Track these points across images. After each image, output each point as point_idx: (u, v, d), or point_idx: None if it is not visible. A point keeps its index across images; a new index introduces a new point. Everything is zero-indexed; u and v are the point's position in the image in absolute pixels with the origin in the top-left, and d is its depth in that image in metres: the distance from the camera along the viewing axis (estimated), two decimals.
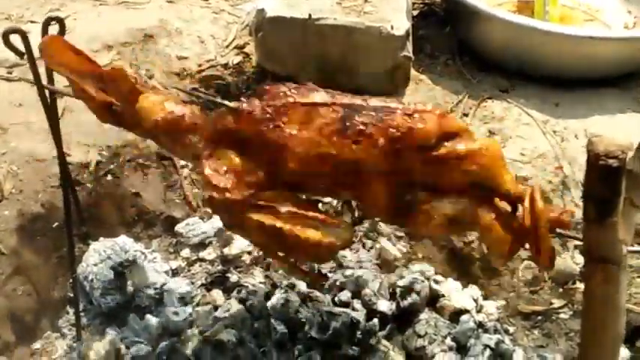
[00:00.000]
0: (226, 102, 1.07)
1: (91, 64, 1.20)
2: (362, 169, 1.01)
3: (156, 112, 1.11)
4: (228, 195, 1.04)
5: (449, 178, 0.99)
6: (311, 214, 1.04)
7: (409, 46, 1.81)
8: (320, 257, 1.10)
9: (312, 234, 1.03)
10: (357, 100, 1.02)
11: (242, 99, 1.06)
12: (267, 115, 1.03)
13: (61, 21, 1.26)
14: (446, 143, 0.99)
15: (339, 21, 1.77)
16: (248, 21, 2.03)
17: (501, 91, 1.90)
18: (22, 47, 1.25)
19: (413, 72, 1.90)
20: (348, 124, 1.00)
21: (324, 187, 1.05)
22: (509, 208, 1.01)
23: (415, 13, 2.15)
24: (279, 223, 1.03)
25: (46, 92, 1.32)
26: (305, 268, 1.19)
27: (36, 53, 1.26)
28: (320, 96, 1.03)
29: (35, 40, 1.25)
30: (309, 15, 1.77)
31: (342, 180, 1.02)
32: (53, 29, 1.24)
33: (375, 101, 1.02)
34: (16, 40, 1.24)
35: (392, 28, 1.76)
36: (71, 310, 1.57)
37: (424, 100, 1.86)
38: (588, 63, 1.87)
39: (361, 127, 0.99)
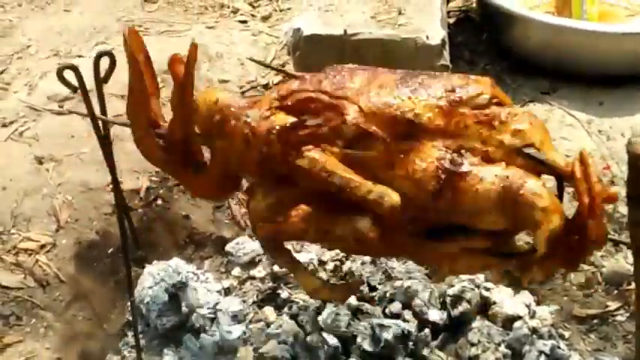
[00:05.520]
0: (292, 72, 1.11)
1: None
2: (417, 124, 1.02)
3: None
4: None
5: (498, 140, 1.00)
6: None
7: (446, 54, 1.81)
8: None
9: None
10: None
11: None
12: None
13: (111, 55, 1.31)
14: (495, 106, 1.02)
15: (374, 35, 1.79)
16: (286, 41, 2.07)
17: (543, 93, 1.88)
18: (73, 82, 1.31)
19: None
20: (409, 81, 1.04)
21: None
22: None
23: (451, 20, 2.15)
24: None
25: (100, 123, 1.37)
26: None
27: (88, 87, 1.32)
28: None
29: (86, 74, 1.31)
30: (345, 31, 1.79)
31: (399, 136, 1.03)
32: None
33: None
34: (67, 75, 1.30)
35: (427, 38, 1.77)
36: (130, 333, 1.61)
37: None
38: (630, 59, 1.84)
39: (419, 82, 1.04)
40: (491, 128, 1.01)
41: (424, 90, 1.04)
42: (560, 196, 1.03)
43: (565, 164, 0.99)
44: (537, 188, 0.97)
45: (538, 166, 1.00)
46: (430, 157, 1.01)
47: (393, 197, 1.01)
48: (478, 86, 1.04)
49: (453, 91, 1.03)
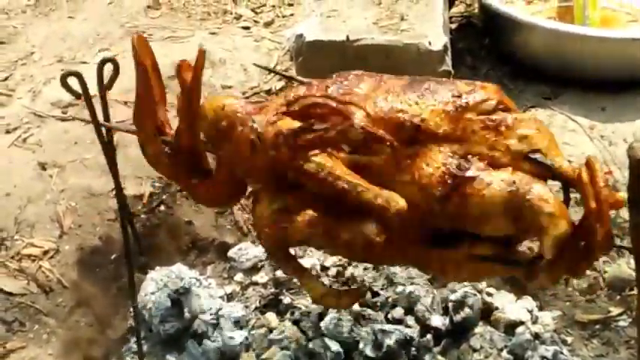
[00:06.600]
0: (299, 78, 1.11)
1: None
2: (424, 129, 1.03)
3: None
4: None
5: (504, 145, 1.01)
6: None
7: (448, 60, 1.82)
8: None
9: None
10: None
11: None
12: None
13: (115, 62, 1.31)
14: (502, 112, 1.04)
15: (376, 40, 1.80)
16: (288, 47, 2.07)
17: (545, 98, 1.88)
18: (76, 88, 1.31)
19: None
20: (415, 87, 1.06)
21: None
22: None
23: (453, 26, 2.16)
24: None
25: (103, 129, 1.38)
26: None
27: (91, 92, 1.33)
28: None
29: (89, 80, 1.32)
30: (347, 37, 1.80)
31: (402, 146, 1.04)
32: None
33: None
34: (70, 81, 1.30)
35: (429, 43, 1.77)
36: (133, 339, 1.62)
37: None
38: (632, 65, 1.84)
39: (425, 88, 1.05)
40: (497, 134, 1.02)
41: (431, 96, 1.05)
42: (566, 202, 1.03)
43: (571, 170, 1.00)
44: (544, 193, 0.97)
45: (544, 172, 1.01)
46: (437, 162, 1.02)
47: (399, 202, 1.01)
48: (485, 92, 1.05)
49: (459, 96, 1.04)
